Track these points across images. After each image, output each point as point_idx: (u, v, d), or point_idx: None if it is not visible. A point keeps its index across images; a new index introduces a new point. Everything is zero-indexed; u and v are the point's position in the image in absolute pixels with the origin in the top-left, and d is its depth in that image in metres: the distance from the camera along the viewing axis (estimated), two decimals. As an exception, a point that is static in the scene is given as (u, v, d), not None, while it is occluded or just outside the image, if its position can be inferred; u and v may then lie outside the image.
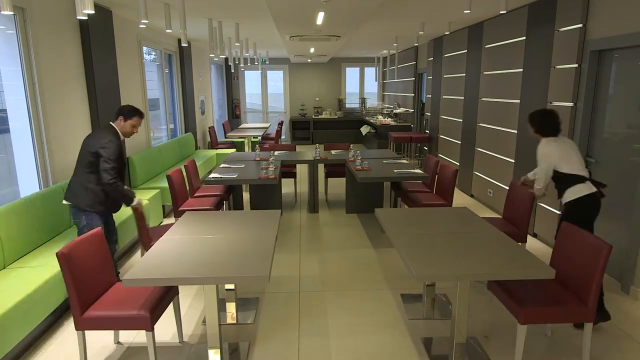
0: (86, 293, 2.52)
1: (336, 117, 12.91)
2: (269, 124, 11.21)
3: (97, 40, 4.81)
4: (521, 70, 5.16)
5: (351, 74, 13.70)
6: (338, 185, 7.49)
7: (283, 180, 7.44)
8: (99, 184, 3.29)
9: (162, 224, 5.45)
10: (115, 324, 2.50)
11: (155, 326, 2.54)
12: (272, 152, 6.50)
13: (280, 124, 10.73)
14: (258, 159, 5.96)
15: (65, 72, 4.34)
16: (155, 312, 2.56)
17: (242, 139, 9.79)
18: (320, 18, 5.31)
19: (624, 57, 3.71)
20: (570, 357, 2.80)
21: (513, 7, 5.23)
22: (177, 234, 2.98)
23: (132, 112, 3.44)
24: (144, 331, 3.06)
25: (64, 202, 3.38)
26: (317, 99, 13.59)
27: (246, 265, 2.44)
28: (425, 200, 4.68)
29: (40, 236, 3.64)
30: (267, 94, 13.65)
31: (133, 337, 3.04)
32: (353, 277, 3.96)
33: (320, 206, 6.26)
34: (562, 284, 2.75)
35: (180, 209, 4.57)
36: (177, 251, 2.65)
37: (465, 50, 6.82)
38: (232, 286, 3.34)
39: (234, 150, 9.25)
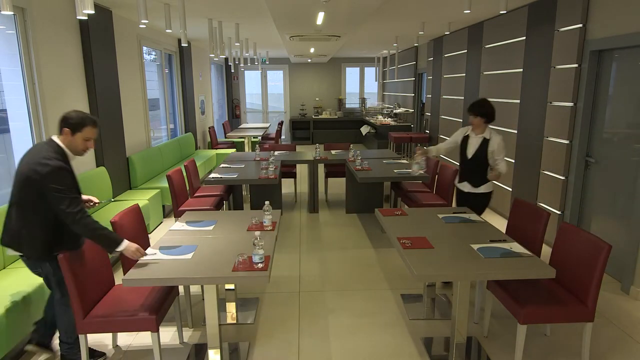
0: (88, 296, 2.51)
1: (336, 117, 12.90)
2: (269, 124, 11.21)
3: (97, 40, 4.81)
4: (521, 70, 5.16)
5: (351, 74, 13.70)
6: (338, 185, 7.49)
7: (283, 180, 7.44)
8: (52, 226, 2.45)
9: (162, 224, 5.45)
10: (119, 326, 2.49)
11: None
12: (272, 152, 6.50)
13: (280, 124, 10.73)
14: (258, 159, 5.95)
15: (65, 72, 4.34)
16: (160, 313, 2.56)
17: (242, 139, 9.79)
18: (320, 18, 5.31)
19: (624, 57, 3.71)
20: (570, 357, 2.79)
21: (513, 7, 5.23)
22: (177, 234, 2.98)
23: (82, 122, 2.49)
24: (142, 334, 3.07)
25: (9, 251, 2.51)
26: (317, 99, 13.59)
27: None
28: (425, 200, 4.68)
29: (40, 236, 3.63)
30: (267, 94, 13.65)
31: (132, 339, 3.04)
32: (353, 277, 3.96)
33: (320, 206, 6.26)
34: (562, 283, 2.75)
35: (180, 209, 4.57)
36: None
37: (465, 50, 6.82)
38: (232, 286, 3.34)
39: (234, 150, 9.25)
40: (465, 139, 3.66)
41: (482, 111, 3.51)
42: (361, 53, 11.84)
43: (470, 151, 3.59)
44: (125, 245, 2.47)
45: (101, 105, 4.89)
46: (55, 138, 2.49)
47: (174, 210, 4.59)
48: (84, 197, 2.79)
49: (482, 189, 3.63)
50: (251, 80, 13.56)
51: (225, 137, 10.44)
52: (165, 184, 5.65)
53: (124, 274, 2.37)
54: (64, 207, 2.34)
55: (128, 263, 2.84)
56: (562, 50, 4.35)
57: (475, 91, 6.42)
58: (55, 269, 2.48)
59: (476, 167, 3.60)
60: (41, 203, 2.39)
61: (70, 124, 2.47)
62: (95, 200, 2.87)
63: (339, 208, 6.16)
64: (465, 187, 3.68)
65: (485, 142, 3.53)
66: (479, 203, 3.66)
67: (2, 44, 3.71)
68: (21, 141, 3.88)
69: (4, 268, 3.21)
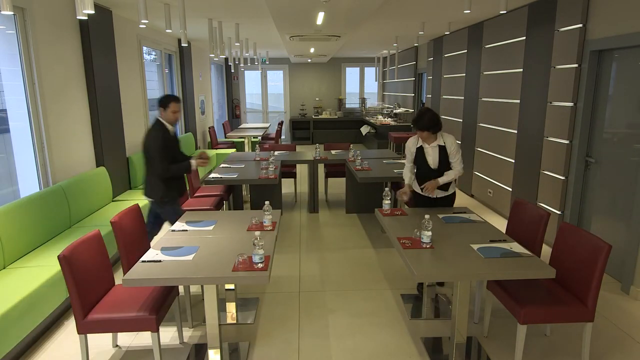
0: (87, 296, 2.51)
1: (336, 117, 12.90)
2: (269, 124, 11.21)
3: (97, 40, 4.81)
4: (521, 70, 5.16)
5: (351, 74, 13.71)
6: (338, 185, 7.49)
7: (283, 180, 7.44)
8: (158, 178, 3.60)
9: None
10: (119, 326, 2.49)
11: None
12: (272, 152, 6.50)
13: (280, 124, 10.73)
14: (258, 159, 5.95)
15: (65, 72, 4.34)
16: (160, 313, 2.56)
17: (242, 139, 9.79)
18: (320, 18, 5.31)
19: (624, 57, 3.71)
20: (570, 357, 2.80)
21: (513, 7, 5.23)
22: (177, 234, 2.98)
23: (167, 100, 3.64)
24: (142, 334, 3.07)
25: (145, 198, 3.70)
26: (317, 99, 13.59)
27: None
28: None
29: (40, 236, 3.64)
30: (267, 94, 13.65)
31: (131, 340, 3.04)
32: (353, 277, 3.96)
33: (320, 206, 6.26)
34: (562, 283, 2.75)
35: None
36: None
37: (465, 50, 6.82)
38: (232, 286, 3.34)
39: (234, 150, 9.25)
40: (420, 150, 3.52)
41: (431, 124, 3.36)
42: (361, 53, 11.84)
43: (432, 161, 3.50)
44: (194, 163, 3.76)
45: (101, 105, 4.89)
46: (158, 115, 3.66)
47: (174, 210, 4.59)
48: (204, 152, 3.92)
49: (452, 190, 3.60)
50: (251, 80, 13.56)
51: (225, 137, 10.44)
52: (165, 184, 5.65)
53: (124, 274, 2.37)
54: (156, 161, 3.54)
55: (128, 263, 2.85)
56: (562, 50, 4.35)
57: (476, 91, 6.42)
58: (167, 213, 3.68)
59: (442, 173, 3.50)
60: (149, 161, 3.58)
61: (161, 103, 3.61)
62: (205, 156, 3.84)
63: (339, 208, 6.16)
64: (437, 192, 3.58)
65: (442, 149, 3.46)
66: (450, 203, 3.65)
67: (2, 44, 3.71)
68: (21, 141, 3.88)
69: (4, 268, 3.21)
